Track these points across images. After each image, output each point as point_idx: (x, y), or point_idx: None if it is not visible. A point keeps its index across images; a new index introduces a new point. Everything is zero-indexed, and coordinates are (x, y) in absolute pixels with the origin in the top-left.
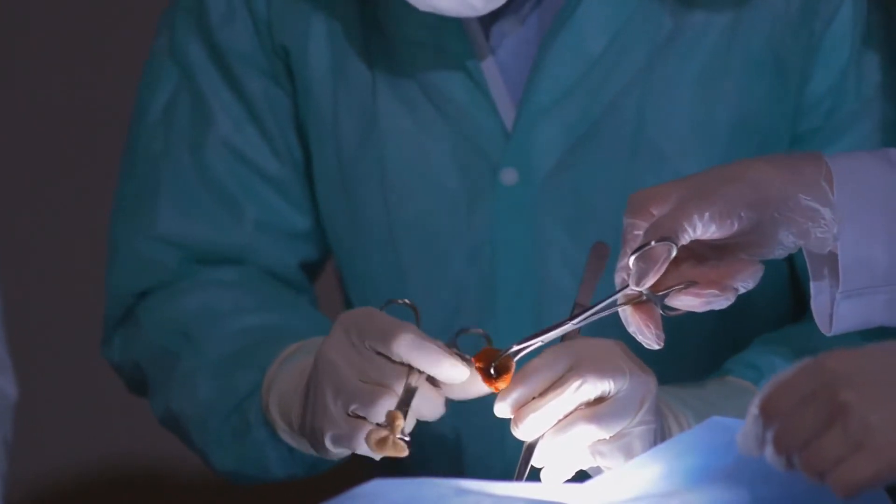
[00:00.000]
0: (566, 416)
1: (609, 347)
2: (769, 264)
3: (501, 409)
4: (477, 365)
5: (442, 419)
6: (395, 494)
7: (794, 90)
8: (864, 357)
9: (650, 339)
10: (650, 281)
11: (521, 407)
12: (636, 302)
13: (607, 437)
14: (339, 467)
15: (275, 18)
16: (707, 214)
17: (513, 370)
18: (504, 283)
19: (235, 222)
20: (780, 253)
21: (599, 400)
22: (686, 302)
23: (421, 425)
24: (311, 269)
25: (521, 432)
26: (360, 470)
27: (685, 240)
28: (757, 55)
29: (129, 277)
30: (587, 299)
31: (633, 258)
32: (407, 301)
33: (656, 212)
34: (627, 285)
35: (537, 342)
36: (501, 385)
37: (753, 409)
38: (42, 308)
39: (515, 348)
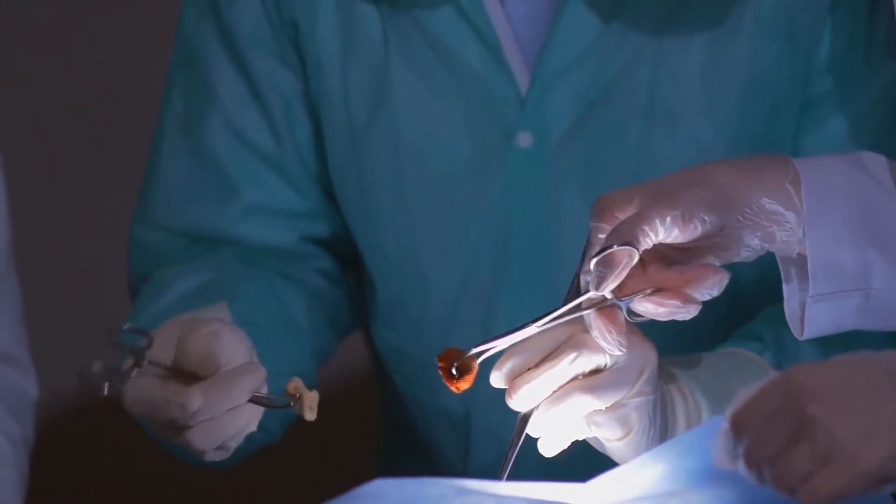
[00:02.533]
0: (561, 387)
1: None
2: None
3: (496, 379)
4: (440, 364)
5: (449, 391)
6: (397, 494)
7: (804, 53)
8: (830, 370)
9: (612, 344)
10: (611, 285)
11: (515, 377)
12: (601, 306)
13: (603, 408)
14: (342, 466)
15: None
16: (668, 218)
17: (475, 371)
18: (518, 247)
19: (231, 204)
20: (746, 256)
21: (596, 371)
22: (649, 309)
23: (428, 398)
24: (325, 243)
25: (516, 402)
26: (363, 469)
27: (647, 244)
28: (768, 18)
29: (135, 264)
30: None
31: (593, 262)
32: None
33: (620, 215)
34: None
35: (501, 343)
36: (463, 385)
37: (724, 424)
38: (62, 308)
39: (478, 349)
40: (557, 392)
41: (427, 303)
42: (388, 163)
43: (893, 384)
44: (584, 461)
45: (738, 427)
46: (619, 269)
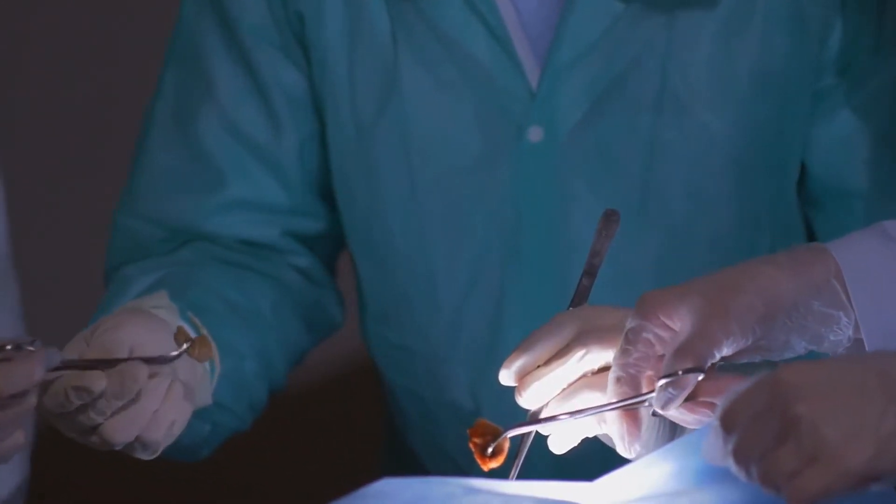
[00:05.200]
0: (570, 385)
1: (617, 316)
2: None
3: (505, 377)
4: (474, 440)
5: (460, 384)
6: (403, 493)
7: (815, 45)
8: (818, 370)
9: (625, 448)
10: (675, 406)
11: (525, 375)
12: (630, 406)
13: None
14: (347, 466)
15: None
16: (731, 338)
17: (506, 452)
18: (528, 241)
19: (214, 197)
20: (788, 355)
21: (605, 368)
22: (678, 415)
23: (435, 395)
24: (309, 241)
25: (525, 400)
26: (369, 468)
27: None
28: (778, 9)
29: (113, 253)
30: (596, 268)
31: (661, 383)
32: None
33: (665, 318)
34: (636, 394)
35: (537, 427)
36: (494, 464)
37: (714, 421)
38: (60, 303)
39: (514, 432)
40: (567, 389)
41: (435, 300)
42: (397, 158)
43: (881, 384)
44: (595, 459)
45: (727, 424)
46: (686, 391)
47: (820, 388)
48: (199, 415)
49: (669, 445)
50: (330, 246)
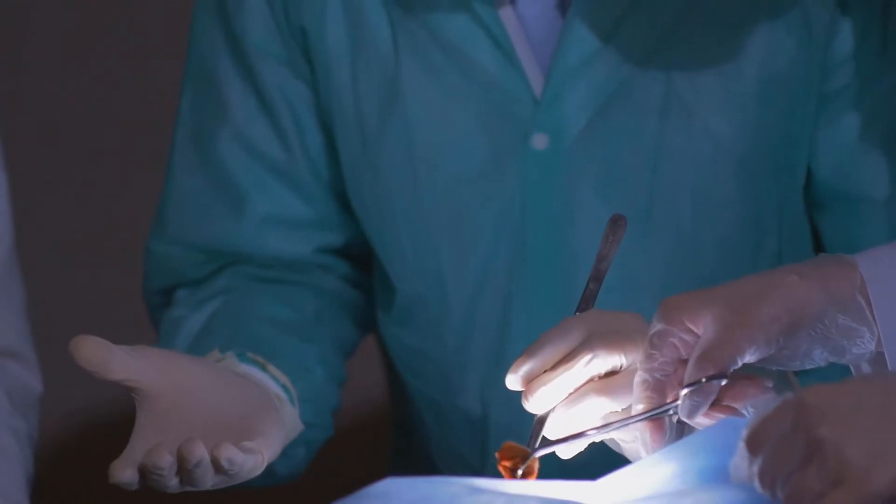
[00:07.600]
0: (577, 389)
1: (624, 320)
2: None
3: (512, 382)
4: (503, 463)
5: (470, 389)
6: (407, 493)
7: (820, 48)
8: (841, 392)
9: (646, 450)
10: (700, 413)
11: (532, 380)
12: (652, 415)
13: (619, 410)
14: (352, 466)
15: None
16: (754, 347)
17: (536, 470)
18: (534, 247)
19: (243, 218)
20: (808, 365)
21: (612, 373)
22: (700, 421)
23: (445, 398)
24: (341, 251)
25: (532, 405)
26: (374, 469)
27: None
28: (784, 12)
29: (151, 278)
30: (603, 273)
31: (684, 391)
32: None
33: (689, 323)
34: (660, 398)
35: (562, 447)
36: None
37: (741, 442)
38: (64, 304)
39: (541, 453)
40: (573, 394)
41: (445, 302)
42: (402, 166)
43: None
44: (600, 459)
45: (752, 446)
46: (711, 398)
47: (842, 411)
48: (291, 443)
49: (673, 445)
50: (360, 251)
